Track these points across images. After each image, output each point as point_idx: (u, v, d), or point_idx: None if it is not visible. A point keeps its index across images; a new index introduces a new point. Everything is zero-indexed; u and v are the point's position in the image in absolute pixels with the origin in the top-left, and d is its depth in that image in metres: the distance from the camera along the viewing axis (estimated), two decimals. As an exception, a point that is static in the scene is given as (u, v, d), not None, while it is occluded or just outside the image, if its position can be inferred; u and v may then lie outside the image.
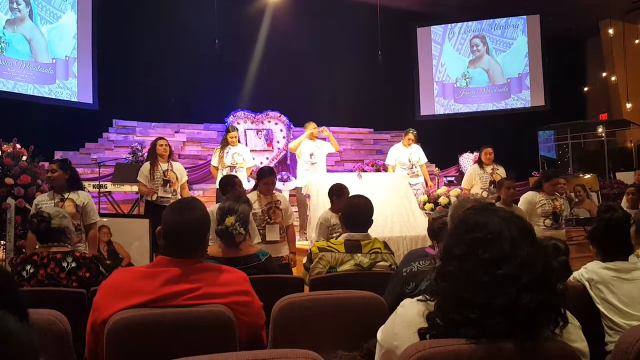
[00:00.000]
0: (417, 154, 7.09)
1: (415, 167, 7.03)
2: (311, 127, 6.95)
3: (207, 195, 8.53)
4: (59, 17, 9.08)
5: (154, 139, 5.74)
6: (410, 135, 7.08)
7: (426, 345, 1.14)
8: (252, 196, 4.45)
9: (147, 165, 5.44)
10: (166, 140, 5.61)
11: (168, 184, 5.36)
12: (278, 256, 4.30)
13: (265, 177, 4.46)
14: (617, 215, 2.33)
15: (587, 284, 2.28)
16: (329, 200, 4.61)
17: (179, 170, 5.54)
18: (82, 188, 4.09)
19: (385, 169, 8.64)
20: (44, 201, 3.90)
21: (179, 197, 5.35)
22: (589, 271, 2.30)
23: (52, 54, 8.93)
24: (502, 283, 1.15)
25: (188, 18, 9.86)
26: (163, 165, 5.41)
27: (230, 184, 4.40)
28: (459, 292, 1.18)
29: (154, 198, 5.31)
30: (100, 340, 1.68)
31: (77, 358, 1.83)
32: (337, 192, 4.40)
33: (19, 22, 8.53)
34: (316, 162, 6.88)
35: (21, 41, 8.55)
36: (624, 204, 5.80)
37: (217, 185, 6.44)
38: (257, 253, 2.70)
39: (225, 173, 6.28)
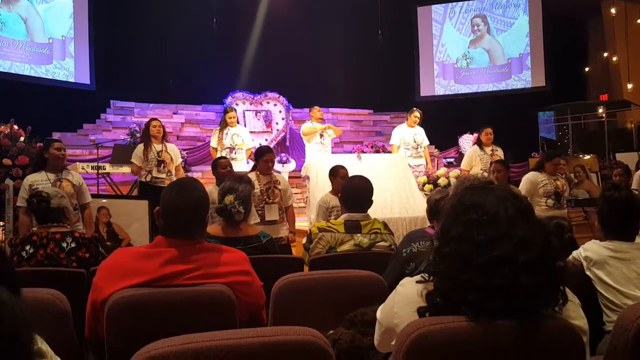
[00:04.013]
0: (421, 135, 7.06)
1: (420, 148, 7.01)
2: (315, 110, 7.26)
3: (205, 177, 8.50)
4: (54, -4, 8.97)
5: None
6: (416, 114, 7.02)
7: (425, 323, 1.15)
8: (251, 176, 4.44)
9: (140, 147, 5.39)
10: (160, 121, 5.55)
11: (162, 165, 5.31)
12: (277, 237, 4.30)
13: (264, 154, 4.46)
14: (620, 194, 2.30)
15: (584, 263, 2.28)
16: (328, 182, 4.62)
17: (173, 152, 5.49)
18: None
19: (385, 150, 8.64)
20: (39, 181, 3.84)
21: (173, 178, 5.30)
22: (587, 250, 2.30)
23: (48, 34, 8.84)
24: (498, 264, 1.15)
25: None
26: (157, 146, 5.35)
27: (213, 165, 4.47)
28: (456, 273, 1.18)
29: (148, 178, 5.29)
30: (100, 320, 1.68)
31: (77, 337, 1.84)
32: (333, 173, 4.44)
33: (14, 1, 8.42)
34: (325, 144, 7.08)
35: (17, 21, 8.45)
36: (634, 184, 5.77)
37: None
38: (258, 234, 2.70)
39: (224, 154, 6.26)
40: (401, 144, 6.99)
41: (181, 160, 5.76)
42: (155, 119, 5.57)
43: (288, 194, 4.55)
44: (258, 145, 9.07)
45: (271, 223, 4.32)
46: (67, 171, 3.96)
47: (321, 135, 7.07)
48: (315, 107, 7.34)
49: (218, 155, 6.36)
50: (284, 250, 4.19)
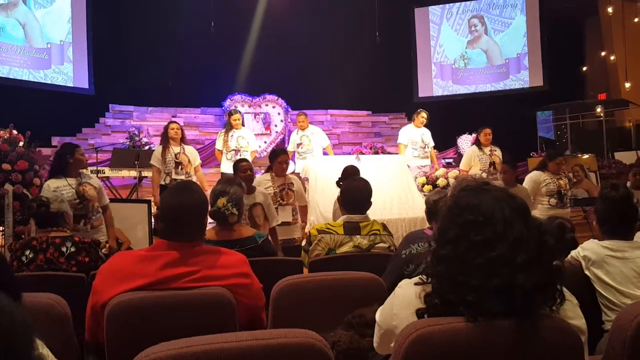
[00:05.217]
0: (428, 135, 7.10)
1: (427, 148, 7.04)
2: (299, 119, 7.33)
3: (206, 180, 8.51)
4: (53, 1, 8.96)
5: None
6: (423, 114, 7.08)
7: (424, 324, 1.15)
8: (266, 177, 4.51)
9: (159, 149, 5.52)
10: (178, 123, 5.69)
11: (180, 167, 5.42)
12: (290, 237, 4.32)
13: (278, 156, 4.50)
14: (618, 193, 2.30)
15: (583, 262, 2.29)
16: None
17: (191, 154, 5.61)
18: None
19: (384, 151, 8.65)
20: (61, 187, 3.76)
21: (192, 179, 5.42)
22: (585, 249, 2.30)
23: (46, 39, 8.84)
24: (495, 264, 1.15)
25: (183, 0, 9.74)
26: (175, 149, 5.47)
27: (234, 168, 4.36)
28: (454, 275, 1.19)
29: (167, 181, 5.37)
30: (101, 324, 1.69)
31: (77, 341, 1.84)
32: (352, 175, 4.39)
33: (12, 6, 8.42)
34: (305, 151, 7.05)
35: (15, 26, 8.45)
36: (629, 184, 5.79)
37: (221, 169, 6.51)
38: (254, 235, 2.71)
39: (230, 157, 6.32)
40: (409, 143, 7.02)
41: (200, 161, 5.85)
42: (174, 122, 5.74)
43: (302, 195, 4.61)
44: (257, 148, 9.17)
45: (284, 224, 4.33)
46: (84, 175, 3.94)
47: (298, 145, 7.12)
48: (301, 114, 7.37)
49: (223, 157, 6.43)
50: (296, 252, 4.19)
